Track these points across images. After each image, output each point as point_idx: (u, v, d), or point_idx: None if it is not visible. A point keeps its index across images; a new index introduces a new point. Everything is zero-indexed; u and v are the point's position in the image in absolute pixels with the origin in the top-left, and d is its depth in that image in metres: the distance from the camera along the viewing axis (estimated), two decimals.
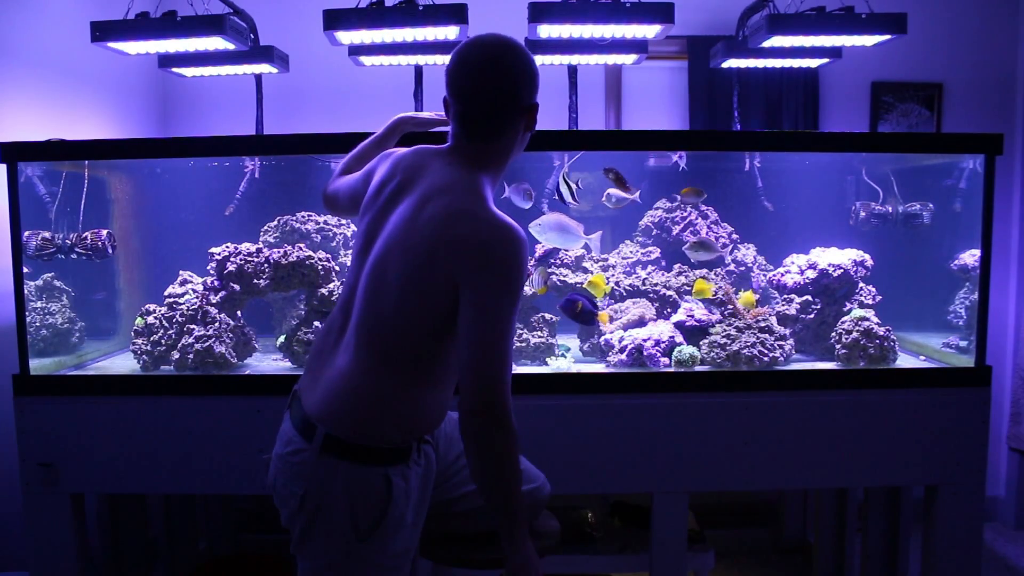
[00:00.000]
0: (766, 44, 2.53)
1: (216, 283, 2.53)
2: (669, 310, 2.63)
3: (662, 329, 2.47)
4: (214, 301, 2.50)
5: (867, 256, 2.62)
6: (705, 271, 2.71)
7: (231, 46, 2.46)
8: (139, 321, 2.49)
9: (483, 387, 1.39)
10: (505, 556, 1.48)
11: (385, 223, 1.52)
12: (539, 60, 2.65)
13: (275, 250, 2.53)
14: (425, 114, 1.96)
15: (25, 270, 2.34)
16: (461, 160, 1.52)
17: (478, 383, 1.39)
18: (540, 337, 2.50)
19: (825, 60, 2.75)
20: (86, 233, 2.49)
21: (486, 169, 1.53)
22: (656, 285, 2.67)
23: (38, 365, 2.37)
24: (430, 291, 1.43)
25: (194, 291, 2.55)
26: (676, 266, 2.80)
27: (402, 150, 1.65)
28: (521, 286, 1.43)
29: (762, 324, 2.46)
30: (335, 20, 2.32)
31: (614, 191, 2.53)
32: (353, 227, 2.82)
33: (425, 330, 1.46)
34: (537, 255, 2.68)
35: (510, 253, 1.40)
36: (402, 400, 1.49)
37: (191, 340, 2.39)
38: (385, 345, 1.48)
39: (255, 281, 2.50)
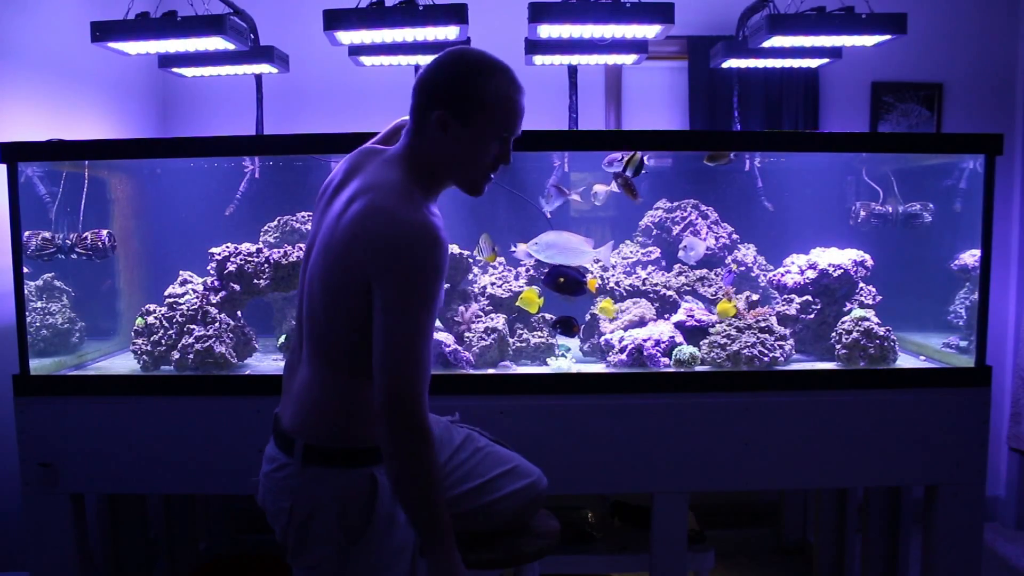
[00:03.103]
0: (766, 44, 2.53)
1: (216, 283, 2.53)
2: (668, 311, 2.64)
3: (662, 329, 2.47)
4: (214, 301, 2.50)
5: (867, 256, 2.62)
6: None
7: (231, 46, 2.46)
8: (139, 321, 2.49)
9: (394, 389, 1.35)
10: (430, 570, 1.41)
11: (321, 227, 1.52)
12: (539, 60, 2.66)
13: (275, 250, 2.53)
14: None
15: (25, 270, 2.34)
16: (398, 158, 1.51)
17: (389, 385, 1.35)
18: (540, 337, 2.50)
19: (825, 60, 2.75)
20: (86, 233, 2.49)
21: (415, 169, 1.49)
22: (656, 285, 2.67)
23: (38, 365, 2.37)
24: (349, 291, 1.41)
25: (194, 291, 2.55)
26: (676, 266, 2.80)
27: (352, 153, 1.63)
28: (434, 286, 1.38)
29: (762, 324, 2.46)
30: (335, 20, 2.32)
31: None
32: None
33: (356, 331, 1.43)
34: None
35: (420, 254, 1.36)
36: (362, 401, 1.47)
37: (191, 340, 2.39)
38: (328, 350, 1.48)
39: (255, 281, 2.50)
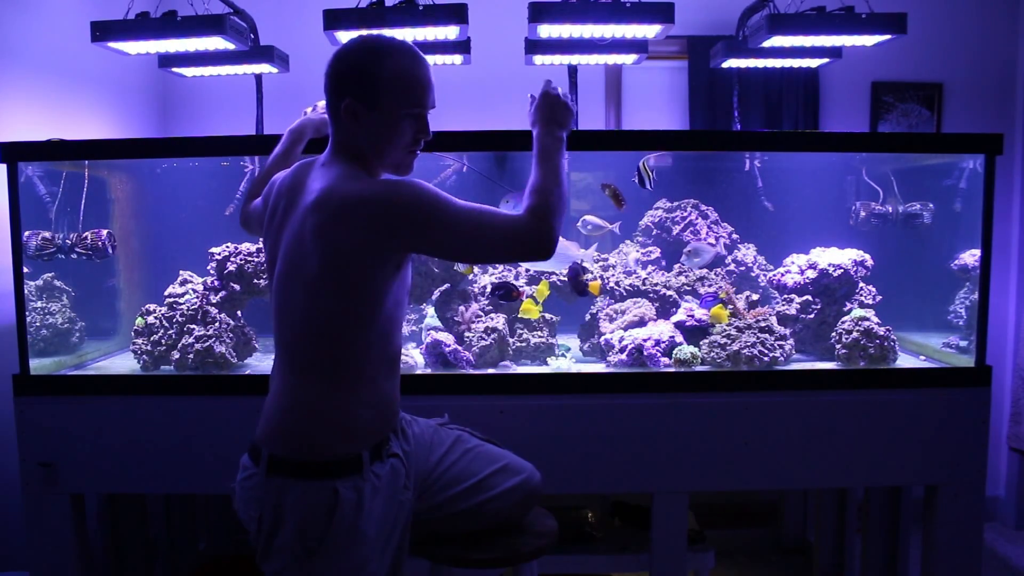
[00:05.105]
0: (766, 44, 2.53)
1: (216, 283, 2.53)
2: (673, 309, 2.63)
3: (662, 329, 2.47)
4: (214, 301, 2.50)
5: (867, 256, 2.62)
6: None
7: (231, 46, 2.46)
8: (139, 321, 2.49)
9: (517, 247, 1.49)
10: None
11: (279, 246, 1.55)
12: (539, 60, 2.66)
13: None
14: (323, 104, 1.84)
15: (25, 270, 2.34)
16: (333, 158, 1.55)
17: (501, 252, 1.53)
18: (540, 337, 2.50)
19: (825, 60, 2.75)
20: (86, 233, 2.49)
21: (349, 160, 1.53)
22: (656, 285, 2.67)
23: (38, 365, 2.37)
24: (347, 289, 1.46)
25: (194, 291, 2.55)
26: (676, 266, 2.80)
27: (284, 174, 1.66)
28: (440, 192, 1.46)
29: (762, 324, 2.46)
30: (335, 20, 2.32)
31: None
32: None
33: (339, 329, 1.48)
34: None
35: (406, 187, 1.44)
36: (331, 408, 1.50)
37: (191, 340, 2.39)
38: (304, 356, 1.51)
39: (255, 281, 2.50)
